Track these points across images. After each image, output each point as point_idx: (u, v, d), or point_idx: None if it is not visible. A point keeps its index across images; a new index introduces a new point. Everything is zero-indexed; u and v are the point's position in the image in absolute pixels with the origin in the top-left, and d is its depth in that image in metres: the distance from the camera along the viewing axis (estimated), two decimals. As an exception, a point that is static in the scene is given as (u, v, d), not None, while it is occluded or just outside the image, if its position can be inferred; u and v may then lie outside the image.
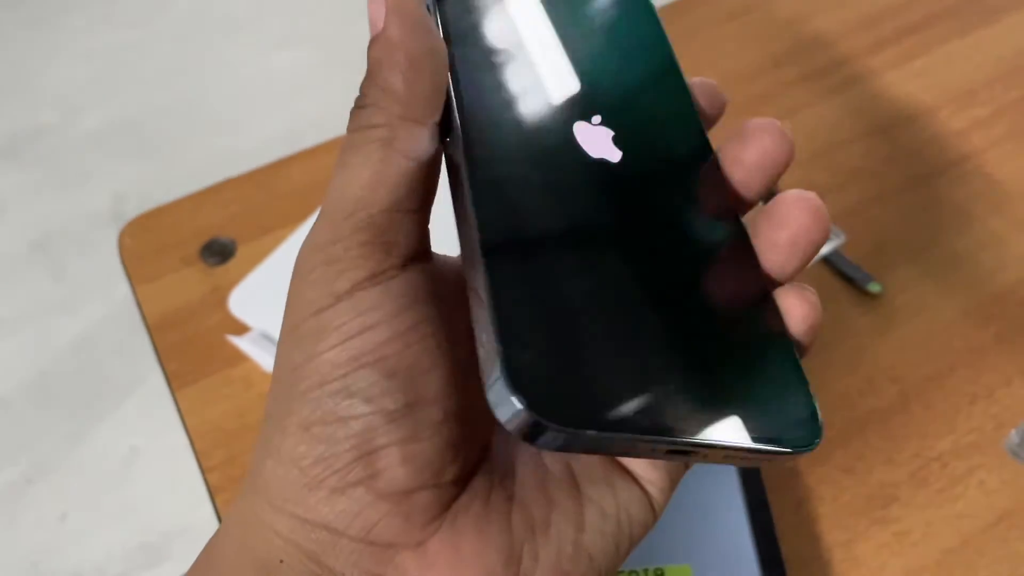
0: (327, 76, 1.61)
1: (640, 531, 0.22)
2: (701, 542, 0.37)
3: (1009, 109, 0.54)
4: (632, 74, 0.26)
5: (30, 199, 1.46)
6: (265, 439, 0.21)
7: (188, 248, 0.51)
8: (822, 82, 0.56)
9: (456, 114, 0.22)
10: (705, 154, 0.24)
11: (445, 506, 0.20)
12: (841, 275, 0.47)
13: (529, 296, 0.19)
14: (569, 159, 0.22)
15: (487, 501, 0.21)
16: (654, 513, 0.22)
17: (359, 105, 0.21)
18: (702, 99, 0.26)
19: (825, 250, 0.47)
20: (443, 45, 0.22)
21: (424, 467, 0.20)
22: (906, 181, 0.51)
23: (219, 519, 0.41)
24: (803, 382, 0.20)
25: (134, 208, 1.37)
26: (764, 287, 0.22)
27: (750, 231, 0.23)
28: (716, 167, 0.24)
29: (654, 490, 0.22)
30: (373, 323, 0.20)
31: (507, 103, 0.23)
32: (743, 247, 0.22)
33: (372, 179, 0.20)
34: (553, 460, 0.22)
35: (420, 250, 0.22)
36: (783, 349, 0.21)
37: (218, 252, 0.50)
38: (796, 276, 0.22)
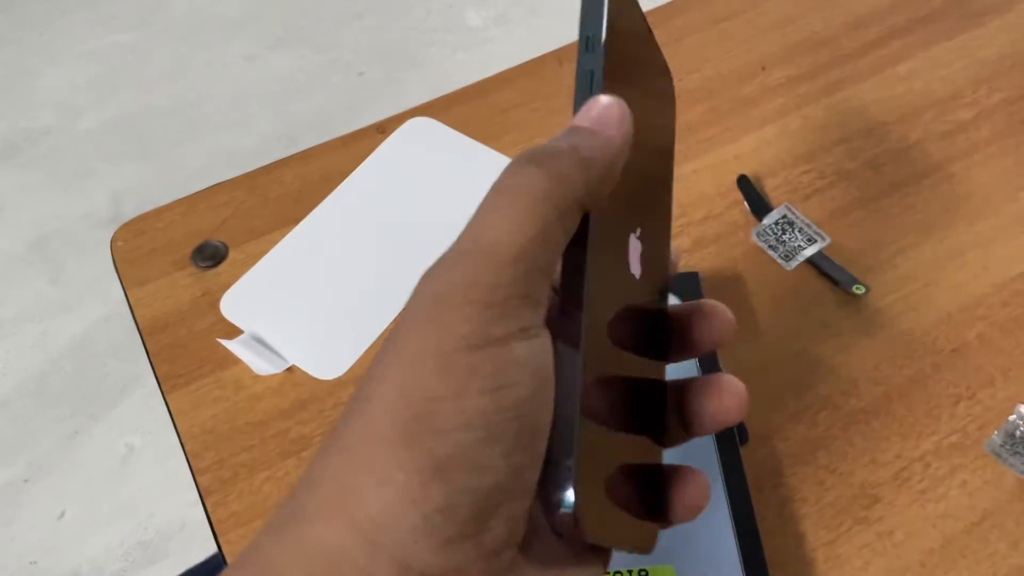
0: (323, 78, 1.62)
1: None
2: (684, 542, 0.37)
3: (993, 112, 0.54)
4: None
5: (28, 200, 1.46)
6: (367, 459, 0.20)
7: (180, 252, 0.51)
8: (808, 85, 0.57)
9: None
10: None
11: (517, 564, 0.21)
12: (826, 277, 0.47)
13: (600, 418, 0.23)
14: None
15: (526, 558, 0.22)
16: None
17: (538, 157, 0.22)
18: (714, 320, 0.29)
19: (810, 252, 0.47)
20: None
21: (519, 526, 0.21)
22: (891, 183, 0.51)
23: (210, 522, 0.41)
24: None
25: (132, 209, 1.38)
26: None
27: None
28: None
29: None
30: (520, 379, 0.20)
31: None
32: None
33: (538, 235, 0.21)
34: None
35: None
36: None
37: (210, 256, 0.50)
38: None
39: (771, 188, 0.51)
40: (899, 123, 0.54)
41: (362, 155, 0.55)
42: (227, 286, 0.49)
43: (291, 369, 0.45)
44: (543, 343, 0.21)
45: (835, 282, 0.47)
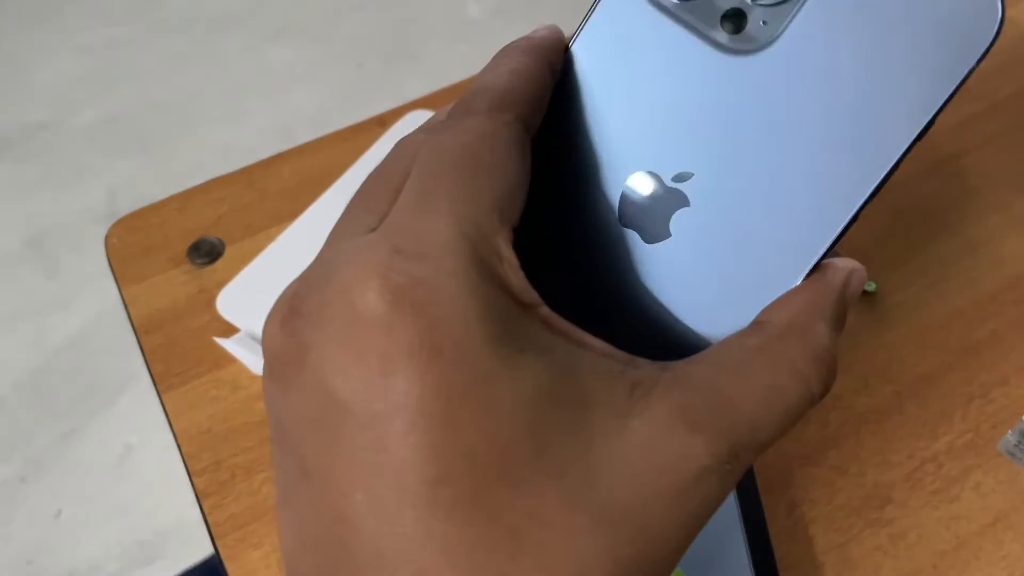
0: (321, 71, 1.61)
1: None
2: (693, 545, 0.36)
3: (1005, 105, 0.53)
4: None
5: (23, 196, 1.45)
6: None
7: (175, 248, 0.50)
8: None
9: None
10: None
11: None
12: (835, 273, 0.46)
13: None
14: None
15: None
16: None
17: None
18: None
19: (819, 248, 0.46)
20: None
21: None
22: (901, 178, 0.50)
23: (208, 525, 0.40)
24: None
25: (128, 204, 1.37)
26: None
27: None
28: None
29: None
30: None
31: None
32: None
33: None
34: None
35: None
36: None
37: (206, 252, 0.49)
38: None
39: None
40: (908, 116, 0.53)
41: (362, 149, 0.54)
42: (224, 283, 0.48)
43: (289, 368, 0.44)
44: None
45: (845, 278, 0.46)
